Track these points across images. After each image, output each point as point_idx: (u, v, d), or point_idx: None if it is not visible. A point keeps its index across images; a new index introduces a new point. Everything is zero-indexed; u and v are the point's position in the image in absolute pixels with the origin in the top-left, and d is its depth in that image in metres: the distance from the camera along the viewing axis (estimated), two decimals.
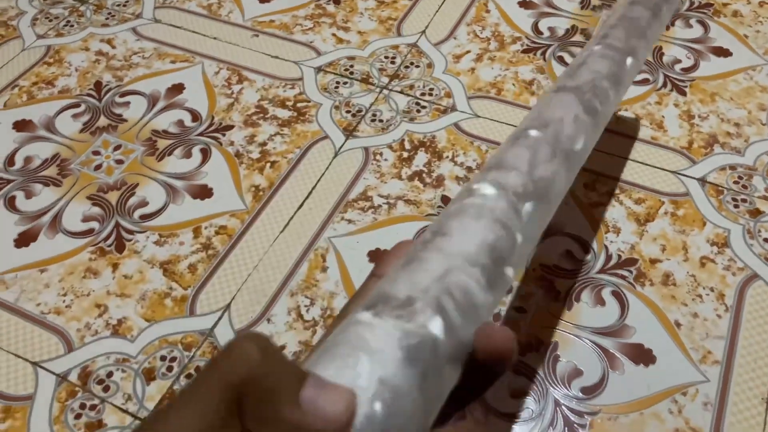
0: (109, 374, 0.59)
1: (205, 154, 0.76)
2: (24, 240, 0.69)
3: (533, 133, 0.36)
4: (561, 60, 0.85)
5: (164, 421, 0.20)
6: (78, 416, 0.57)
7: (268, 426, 0.20)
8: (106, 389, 0.59)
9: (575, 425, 0.55)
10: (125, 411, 0.57)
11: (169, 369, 0.60)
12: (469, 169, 0.73)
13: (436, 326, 0.25)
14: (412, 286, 0.26)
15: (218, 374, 0.20)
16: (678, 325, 0.61)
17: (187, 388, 0.21)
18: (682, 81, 0.82)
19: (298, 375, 0.21)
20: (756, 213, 0.69)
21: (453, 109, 0.80)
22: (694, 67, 0.84)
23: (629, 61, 0.47)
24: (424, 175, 0.73)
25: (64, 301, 0.64)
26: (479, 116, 0.79)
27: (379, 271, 0.29)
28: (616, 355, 0.59)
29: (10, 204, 0.72)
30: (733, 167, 0.73)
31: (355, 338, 0.23)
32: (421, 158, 0.75)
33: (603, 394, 0.57)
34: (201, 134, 0.78)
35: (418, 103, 0.80)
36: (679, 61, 0.84)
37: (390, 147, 0.76)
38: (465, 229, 0.29)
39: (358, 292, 0.29)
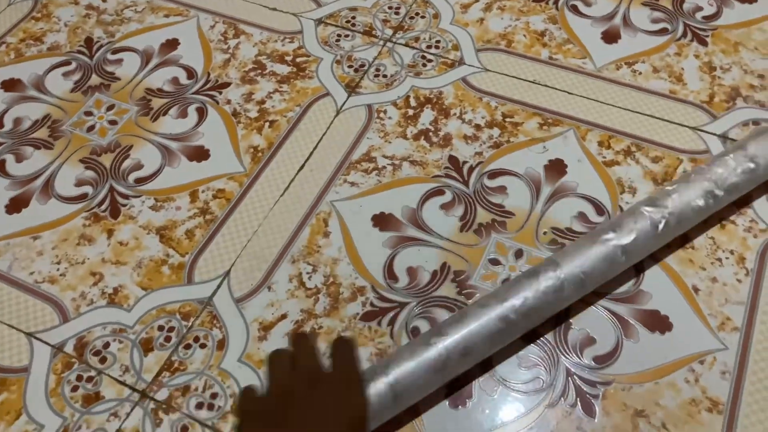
0: (106, 345, 0.58)
1: (201, 113, 0.73)
2: (15, 206, 0.67)
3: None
4: (574, 9, 0.80)
5: None
6: (75, 388, 0.56)
7: None
8: (102, 360, 0.57)
9: (587, 395, 0.53)
10: (122, 383, 0.56)
11: (167, 339, 0.58)
12: (478, 126, 0.70)
13: None
14: None
15: None
16: (696, 290, 0.58)
17: None
18: (704, 30, 0.77)
19: None
20: None
21: (461, 62, 0.76)
22: (716, 14, 0.79)
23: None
24: (430, 134, 0.70)
25: (58, 270, 0.62)
26: (488, 70, 0.75)
27: None
28: (630, 323, 0.57)
29: (0, 168, 0.69)
30: (756, 122, 0.69)
31: None
32: (428, 116, 0.71)
33: (616, 363, 0.55)
34: (197, 92, 0.75)
35: (423, 57, 0.76)
36: (701, 9, 0.79)
37: (394, 104, 0.72)
38: None
39: None
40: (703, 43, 0.76)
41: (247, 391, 0.43)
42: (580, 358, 0.55)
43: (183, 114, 0.73)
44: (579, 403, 0.53)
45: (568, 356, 0.55)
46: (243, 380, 0.55)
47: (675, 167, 0.66)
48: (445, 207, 0.64)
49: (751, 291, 0.58)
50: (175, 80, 0.76)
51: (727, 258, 0.60)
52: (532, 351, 0.56)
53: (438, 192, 0.65)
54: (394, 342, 0.57)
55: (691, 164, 0.66)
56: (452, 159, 0.68)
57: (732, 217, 0.63)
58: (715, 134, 0.68)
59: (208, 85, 0.75)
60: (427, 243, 0.62)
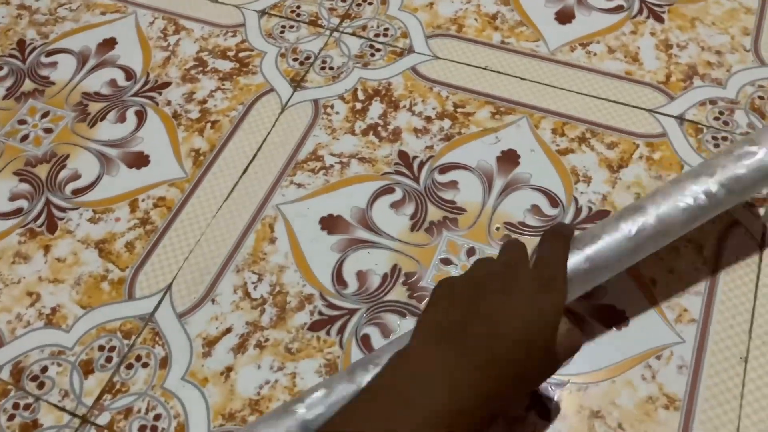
0: (44, 369, 0.55)
1: (141, 116, 0.70)
2: None
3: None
4: None
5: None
6: (11, 417, 0.53)
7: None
8: (40, 386, 0.55)
9: (542, 398, 0.52)
10: (62, 408, 0.53)
11: (108, 360, 0.55)
12: (428, 119, 0.67)
13: None
14: None
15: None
16: (653, 282, 0.57)
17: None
18: (660, 6, 0.75)
19: None
20: None
21: (410, 50, 0.73)
22: None
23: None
24: (379, 128, 0.67)
25: None
26: (439, 57, 0.72)
27: None
28: (586, 319, 0.55)
29: None
30: (713, 102, 0.67)
31: None
32: (376, 109, 0.68)
33: (571, 363, 0.53)
34: (135, 94, 0.71)
35: (372, 46, 0.73)
36: None
37: (342, 98, 0.70)
38: None
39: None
40: (659, 19, 0.74)
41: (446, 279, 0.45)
42: None
43: (121, 118, 0.70)
44: (534, 407, 0.52)
45: None
46: (187, 399, 0.53)
47: (631, 152, 0.64)
48: (395, 206, 0.62)
49: (708, 281, 0.57)
50: (112, 82, 0.73)
51: (684, 247, 0.58)
52: None
53: (388, 190, 0.63)
54: (343, 352, 0.55)
55: (647, 149, 0.64)
56: (402, 154, 0.65)
57: None
58: (671, 116, 0.66)
59: (147, 86, 0.72)
60: (377, 245, 0.60)
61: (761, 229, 0.59)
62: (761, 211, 0.60)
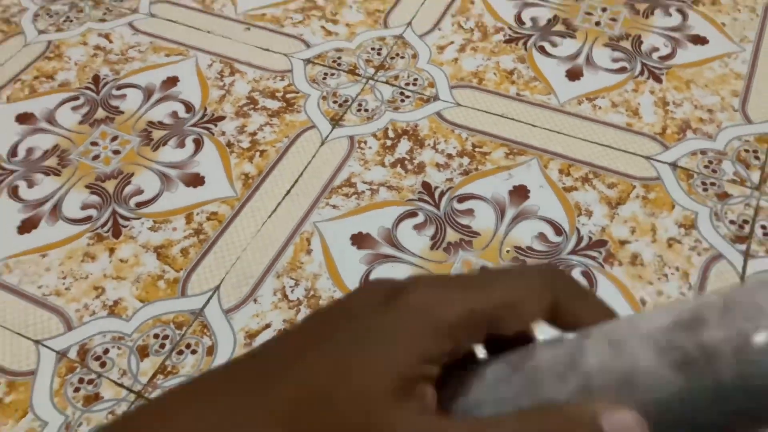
0: (106, 351, 0.63)
1: (198, 144, 0.80)
2: (26, 227, 0.73)
3: None
4: (542, 50, 0.88)
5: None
6: (77, 390, 0.61)
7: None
8: (102, 365, 0.63)
9: None
10: (120, 385, 0.61)
11: (162, 346, 0.63)
12: (449, 156, 0.76)
13: None
14: None
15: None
16: (643, 302, 0.64)
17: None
18: (659, 69, 0.85)
19: None
20: (724, 196, 0.72)
21: (436, 98, 0.83)
22: (671, 55, 0.86)
23: None
24: (406, 162, 0.76)
25: (64, 284, 0.68)
26: (461, 105, 0.82)
27: None
28: None
29: (14, 193, 0.76)
30: (704, 152, 0.76)
31: None
32: (404, 146, 0.78)
33: None
34: (194, 125, 0.82)
35: (402, 93, 0.84)
36: (657, 49, 0.87)
37: (374, 135, 0.79)
38: None
39: None
40: (658, 80, 0.83)
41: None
42: None
43: (181, 144, 0.80)
44: None
45: None
46: None
47: (628, 192, 0.72)
48: (417, 227, 0.70)
49: None
50: (174, 114, 0.83)
51: (672, 274, 0.66)
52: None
53: (411, 214, 0.72)
54: None
55: (643, 189, 0.73)
56: (425, 184, 0.74)
57: (679, 237, 0.69)
58: (666, 162, 0.75)
59: (204, 119, 0.82)
60: (400, 260, 0.68)
61: (742, 263, 0.67)
62: (742, 247, 0.67)
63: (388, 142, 0.78)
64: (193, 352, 0.63)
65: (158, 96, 0.85)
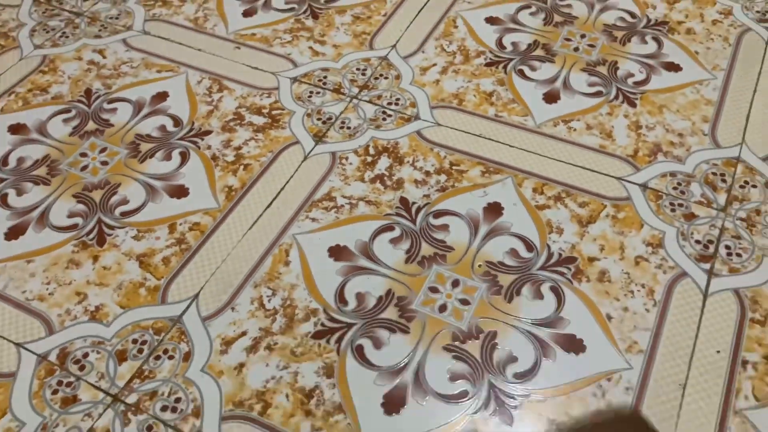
0: (85, 355, 0.65)
1: (184, 156, 0.82)
2: (14, 233, 0.75)
3: None
4: (521, 73, 0.90)
5: None
6: (55, 392, 0.63)
7: None
8: (81, 368, 0.64)
9: (506, 406, 0.61)
10: (98, 388, 0.63)
11: (140, 351, 0.65)
12: (427, 173, 0.79)
13: None
14: None
15: None
16: (609, 317, 0.66)
17: None
18: (634, 93, 0.87)
19: None
20: (691, 216, 0.74)
21: (416, 117, 0.85)
22: (645, 80, 0.89)
23: None
24: (385, 178, 0.79)
25: (47, 289, 0.70)
26: (440, 125, 0.84)
27: None
28: (549, 344, 0.64)
29: (2, 201, 0.78)
30: (673, 174, 0.78)
31: None
32: (384, 162, 0.80)
33: (535, 379, 0.62)
34: (181, 138, 0.84)
35: (384, 112, 0.86)
36: (632, 75, 0.90)
37: (355, 152, 0.82)
38: None
39: None
40: (632, 104, 0.86)
41: None
42: (502, 374, 0.63)
43: (167, 157, 0.82)
44: (498, 412, 0.60)
45: (492, 372, 0.63)
46: (204, 387, 0.63)
47: (599, 211, 0.75)
48: (393, 241, 0.73)
49: (656, 319, 0.66)
50: (162, 127, 0.85)
51: (638, 290, 0.68)
52: (461, 367, 0.63)
53: (388, 228, 0.74)
54: (339, 357, 0.64)
55: (613, 209, 0.75)
56: (403, 200, 0.76)
57: (646, 255, 0.71)
58: (636, 183, 0.77)
59: (192, 132, 0.85)
60: (376, 272, 0.70)
61: (706, 282, 0.69)
62: (707, 266, 0.70)
63: (369, 159, 0.81)
64: (170, 357, 0.65)
65: (148, 110, 0.88)
